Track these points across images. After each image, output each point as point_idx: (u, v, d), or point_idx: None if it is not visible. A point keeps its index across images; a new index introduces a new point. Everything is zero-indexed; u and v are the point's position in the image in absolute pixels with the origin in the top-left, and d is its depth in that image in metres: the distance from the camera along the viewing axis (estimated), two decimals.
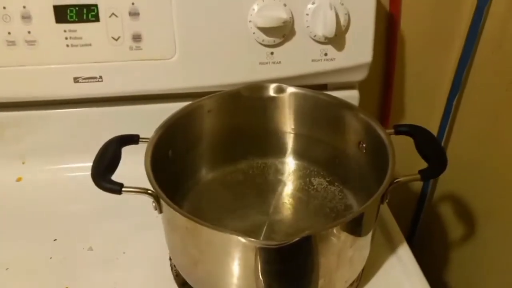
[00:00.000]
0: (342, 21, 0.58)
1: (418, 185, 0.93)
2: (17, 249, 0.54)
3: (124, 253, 0.54)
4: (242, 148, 0.60)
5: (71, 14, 0.55)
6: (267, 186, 0.59)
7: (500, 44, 0.69)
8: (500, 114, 0.71)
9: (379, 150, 0.48)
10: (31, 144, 0.64)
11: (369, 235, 0.47)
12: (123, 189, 0.44)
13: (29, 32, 0.55)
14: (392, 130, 0.50)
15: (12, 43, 0.55)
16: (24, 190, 0.62)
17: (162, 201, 0.43)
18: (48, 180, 0.63)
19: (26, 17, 0.55)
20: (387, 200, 0.46)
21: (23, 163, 0.65)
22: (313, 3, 0.57)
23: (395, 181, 0.45)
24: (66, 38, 0.56)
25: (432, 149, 0.48)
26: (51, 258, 0.53)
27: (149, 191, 0.44)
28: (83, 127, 0.63)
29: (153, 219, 0.52)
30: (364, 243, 0.47)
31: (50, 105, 0.62)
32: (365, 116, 0.52)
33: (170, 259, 0.52)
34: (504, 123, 0.71)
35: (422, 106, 0.82)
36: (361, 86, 0.67)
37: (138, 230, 0.56)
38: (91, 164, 0.46)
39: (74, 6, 0.55)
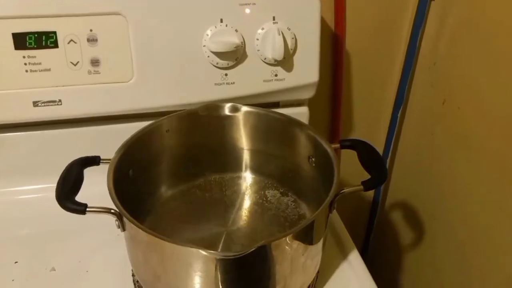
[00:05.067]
0: (290, 44, 0.62)
1: (370, 194, 0.99)
2: None
3: (87, 271, 0.55)
4: (200, 165, 0.64)
5: (30, 41, 0.57)
6: (225, 200, 0.62)
7: (435, 61, 0.76)
8: (438, 125, 0.78)
9: (326, 163, 0.53)
10: None
11: (320, 242, 0.51)
12: (87, 209, 0.45)
13: None
14: (338, 145, 0.55)
15: None
16: None
17: (125, 219, 0.45)
18: (5, 202, 0.64)
19: None
20: (334, 209, 0.50)
21: None
22: (262, 29, 0.62)
23: (341, 191, 0.49)
24: (25, 64, 0.57)
25: (373, 161, 0.52)
26: (13, 280, 0.54)
27: (112, 210, 0.46)
28: (42, 150, 0.64)
29: (113, 237, 0.55)
30: (315, 250, 0.51)
31: (8, 128, 0.63)
32: (313, 132, 0.57)
33: (133, 275, 0.54)
34: (441, 134, 0.77)
35: (370, 120, 0.89)
36: (311, 103, 0.72)
37: (99, 248, 0.58)
38: (50, 185, 0.48)
39: (33, 33, 0.57)
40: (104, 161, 0.51)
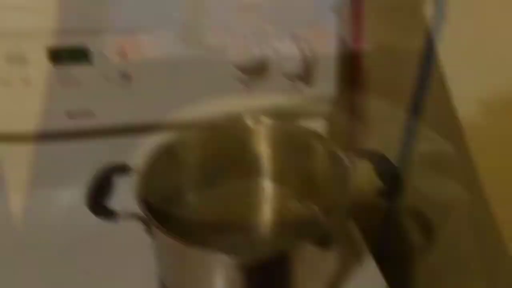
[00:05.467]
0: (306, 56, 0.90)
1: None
2: None
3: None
4: (223, 174, 0.91)
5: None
6: (247, 208, 0.88)
7: None
8: None
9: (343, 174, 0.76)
10: None
11: (338, 250, 0.73)
12: (119, 216, 0.68)
13: None
14: (355, 153, 0.77)
15: None
16: None
17: (153, 227, 0.67)
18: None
19: None
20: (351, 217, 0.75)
21: None
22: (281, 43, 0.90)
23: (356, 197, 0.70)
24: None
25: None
26: None
27: (142, 218, 0.67)
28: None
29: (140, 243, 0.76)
30: (331, 258, 0.73)
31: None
32: (331, 144, 0.83)
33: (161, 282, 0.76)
34: None
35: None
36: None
37: (126, 256, 0.82)
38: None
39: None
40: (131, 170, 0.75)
